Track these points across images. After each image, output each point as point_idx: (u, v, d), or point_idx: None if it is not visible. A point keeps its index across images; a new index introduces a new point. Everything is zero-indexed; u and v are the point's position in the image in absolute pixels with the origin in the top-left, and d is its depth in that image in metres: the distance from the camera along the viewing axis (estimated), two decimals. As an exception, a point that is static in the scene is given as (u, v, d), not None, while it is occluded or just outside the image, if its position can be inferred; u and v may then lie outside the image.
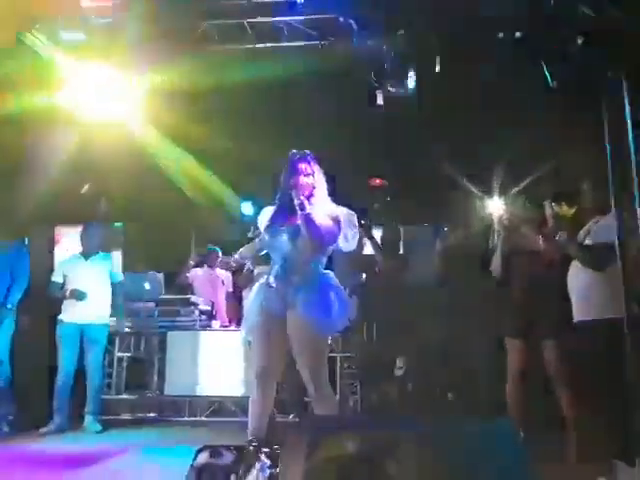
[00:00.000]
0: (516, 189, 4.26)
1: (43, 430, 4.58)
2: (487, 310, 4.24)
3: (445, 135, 4.70)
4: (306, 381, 2.95)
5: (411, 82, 3.68)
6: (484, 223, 4.54)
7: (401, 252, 5.08)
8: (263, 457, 2.45)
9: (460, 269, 4.56)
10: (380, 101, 3.73)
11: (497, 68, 4.05)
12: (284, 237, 2.95)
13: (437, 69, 3.67)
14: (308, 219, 2.84)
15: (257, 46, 3.92)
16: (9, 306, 4.63)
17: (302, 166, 2.95)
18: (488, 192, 4.82)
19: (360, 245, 4.73)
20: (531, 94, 3.97)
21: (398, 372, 4.97)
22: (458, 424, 2.38)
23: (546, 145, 4.64)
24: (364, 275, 5.15)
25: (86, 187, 6.08)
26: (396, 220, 5.41)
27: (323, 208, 2.95)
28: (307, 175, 2.95)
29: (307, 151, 2.99)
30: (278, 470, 2.31)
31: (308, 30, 3.77)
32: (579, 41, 3.65)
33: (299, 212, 2.85)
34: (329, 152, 3.18)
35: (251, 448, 2.58)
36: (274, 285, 2.96)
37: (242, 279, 5.48)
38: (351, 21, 3.68)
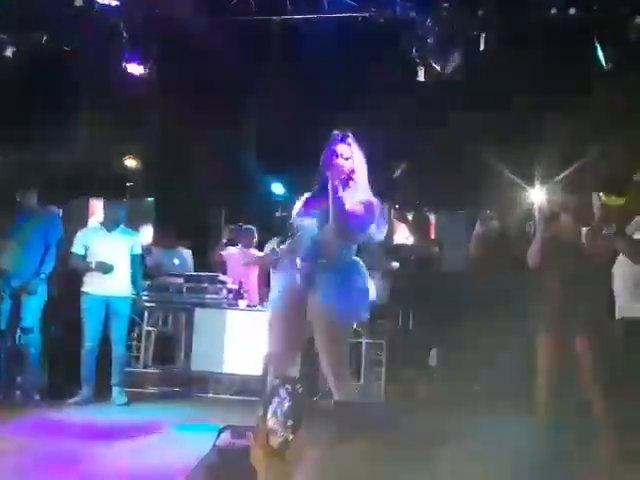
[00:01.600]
0: (561, 176, 4.05)
1: (71, 400, 4.64)
2: (519, 302, 4.10)
3: (487, 117, 4.49)
4: (324, 368, 2.89)
5: (454, 59, 3.49)
6: (523, 210, 4.36)
7: (432, 238, 4.95)
8: (284, 395, 2.40)
9: (494, 257, 4.41)
10: (421, 77, 3.56)
11: (546, 48, 3.82)
12: (314, 219, 2.87)
13: (482, 47, 3.47)
14: (338, 204, 2.75)
15: (295, 17, 3.78)
16: (42, 276, 4.67)
17: (342, 148, 2.85)
18: (530, 179, 4.61)
19: (392, 231, 4.61)
20: (581, 76, 3.73)
21: (432, 362, 4.89)
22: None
23: (595, 131, 4.40)
24: (396, 263, 5.04)
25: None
26: (427, 206, 5.26)
27: (358, 194, 2.86)
28: (346, 158, 2.85)
29: (349, 133, 2.87)
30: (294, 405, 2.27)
31: (349, 1, 3.60)
32: (638, 20, 3.41)
33: (330, 195, 2.76)
34: (364, 130, 3.05)
35: (276, 381, 2.53)
36: (300, 267, 2.88)
37: (264, 260, 5.44)
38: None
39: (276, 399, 2.30)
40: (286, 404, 2.28)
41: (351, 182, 2.85)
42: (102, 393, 4.79)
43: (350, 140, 2.87)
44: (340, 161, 2.83)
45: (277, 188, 7.05)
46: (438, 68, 3.54)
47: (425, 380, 4.69)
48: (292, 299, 2.87)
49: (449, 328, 4.53)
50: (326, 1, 3.71)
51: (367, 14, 3.63)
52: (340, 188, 2.77)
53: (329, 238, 2.82)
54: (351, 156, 2.86)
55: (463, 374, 4.55)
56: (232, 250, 6.37)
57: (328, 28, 3.71)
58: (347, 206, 2.76)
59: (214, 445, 2.68)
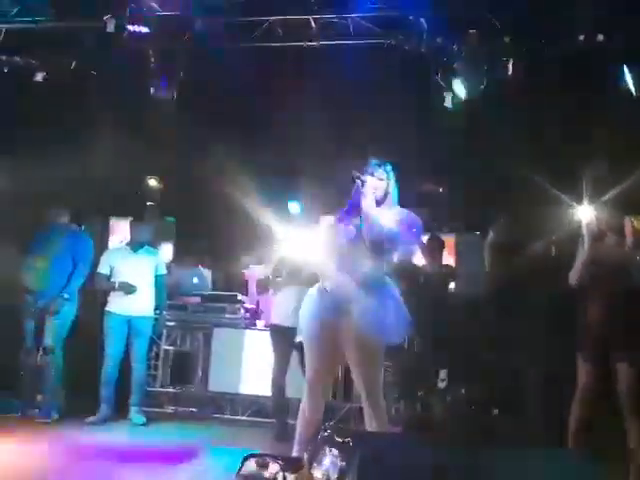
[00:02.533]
0: (608, 195, 3.94)
1: (90, 419, 4.63)
2: (541, 324, 4.03)
3: (513, 141, 4.47)
4: (359, 389, 2.89)
5: (480, 84, 3.49)
6: (551, 231, 4.29)
7: (444, 262, 4.92)
8: (334, 448, 2.36)
9: (508, 266, 4.36)
10: (448, 103, 3.56)
11: (575, 73, 3.80)
12: (345, 238, 2.86)
13: (509, 72, 3.46)
14: (372, 221, 2.76)
15: (322, 43, 3.82)
16: (65, 295, 4.68)
17: (378, 171, 2.90)
18: (575, 196, 4.50)
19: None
20: (612, 101, 3.70)
21: (441, 384, 4.81)
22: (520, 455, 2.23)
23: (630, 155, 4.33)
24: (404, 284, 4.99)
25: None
26: (440, 227, 5.22)
27: (393, 213, 2.88)
28: (381, 179, 2.90)
29: (385, 160, 2.94)
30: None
31: (375, 28, 3.63)
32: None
33: (364, 212, 2.77)
34: (390, 153, 3.06)
35: (325, 433, 2.49)
36: (329, 290, 2.86)
37: (259, 285, 5.38)
38: (421, 19, 3.53)
39: (326, 452, 2.27)
40: (338, 460, 2.25)
41: (383, 203, 2.88)
42: (120, 412, 4.79)
43: (387, 167, 2.93)
44: (376, 182, 2.87)
45: (294, 208, 7.07)
46: (465, 94, 3.54)
47: (437, 404, 4.61)
48: (324, 322, 2.85)
49: (460, 350, 4.48)
50: (352, 27, 3.74)
51: (392, 41, 3.66)
52: (373, 205, 2.79)
53: (360, 257, 2.81)
54: (386, 178, 2.91)
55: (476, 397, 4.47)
56: (255, 269, 6.37)
57: (354, 54, 3.73)
58: (381, 224, 2.77)
59: (238, 474, 2.65)
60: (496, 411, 4.60)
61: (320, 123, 4.74)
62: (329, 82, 4.01)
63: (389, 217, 2.84)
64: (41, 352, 4.62)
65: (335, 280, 2.86)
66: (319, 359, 2.89)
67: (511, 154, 4.34)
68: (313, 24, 3.81)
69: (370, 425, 2.84)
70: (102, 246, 5.21)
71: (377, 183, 2.87)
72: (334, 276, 2.87)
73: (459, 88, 3.51)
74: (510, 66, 3.42)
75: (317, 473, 2.21)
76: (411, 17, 3.54)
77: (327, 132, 4.80)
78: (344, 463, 2.19)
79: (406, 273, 4.80)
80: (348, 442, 2.23)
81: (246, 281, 6.24)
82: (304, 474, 2.31)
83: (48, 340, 4.64)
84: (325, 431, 2.43)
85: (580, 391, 3.43)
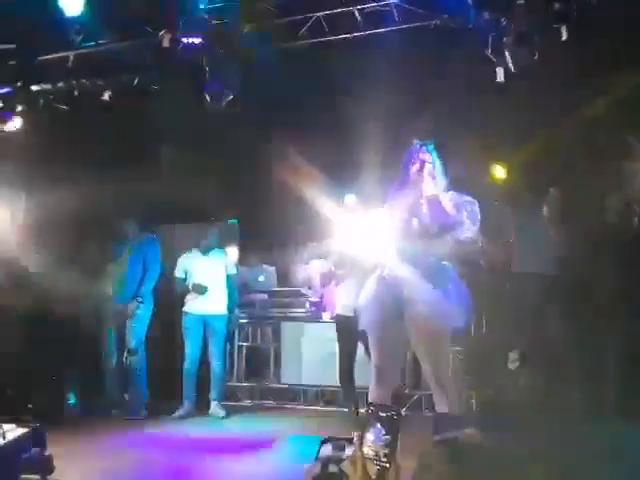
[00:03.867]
0: None
1: (175, 415, 4.90)
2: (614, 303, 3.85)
3: (571, 110, 4.30)
4: (427, 376, 2.89)
5: (533, 54, 3.39)
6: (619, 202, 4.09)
7: (510, 240, 4.78)
8: (379, 424, 2.42)
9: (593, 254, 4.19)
10: (501, 77, 3.49)
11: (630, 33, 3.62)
12: (402, 226, 2.87)
13: (564, 37, 3.34)
14: (429, 206, 2.77)
15: (368, 32, 3.85)
16: (139, 299, 4.98)
17: (424, 156, 2.88)
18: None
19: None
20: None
21: (512, 365, 4.71)
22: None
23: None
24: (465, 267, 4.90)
25: None
26: (504, 201, 5.07)
27: (443, 197, 2.86)
28: (428, 164, 2.87)
29: (428, 141, 2.91)
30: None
31: (418, 10, 3.62)
32: None
33: (420, 200, 2.76)
34: (445, 137, 3.04)
35: (370, 411, 2.55)
36: (388, 277, 2.89)
37: (323, 278, 5.42)
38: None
39: (372, 429, 2.33)
40: (382, 434, 2.30)
41: (433, 187, 2.87)
42: (202, 407, 5.02)
43: (431, 147, 2.90)
44: (423, 168, 2.85)
45: (350, 201, 7.09)
46: (516, 67, 3.45)
47: (509, 384, 4.51)
48: (387, 312, 2.86)
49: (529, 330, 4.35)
50: (396, 13, 3.75)
51: (438, 21, 3.63)
52: (424, 193, 2.79)
53: (418, 243, 2.81)
54: (433, 162, 2.88)
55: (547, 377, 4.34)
56: (316, 264, 6.47)
57: (401, 39, 3.73)
58: (436, 208, 2.77)
59: (317, 457, 2.74)
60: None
61: (373, 113, 4.76)
62: (380, 71, 4.01)
63: (447, 201, 2.82)
64: (125, 354, 4.92)
65: (395, 267, 2.86)
66: (384, 345, 2.91)
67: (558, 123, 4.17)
68: (357, 15, 3.85)
69: (441, 410, 2.83)
70: (172, 251, 5.46)
71: (426, 167, 2.85)
72: (393, 263, 2.87)
73: (511, 61, 3.43)
74: (564, 32, 3.30)
75: (366, 449, 2.26)
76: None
77: (381, 122, 4.80)
78: (389, 436, 2.23)
79: (469, 256, 4.73)
80: (392, 416, 2.27)
81: (309, 275, 6.36)
82: (356, 453, 2.36)
83: (131, 342, 4.94)
84: (370, 409, 2.49)
85: None
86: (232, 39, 3.81)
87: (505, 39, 3.40)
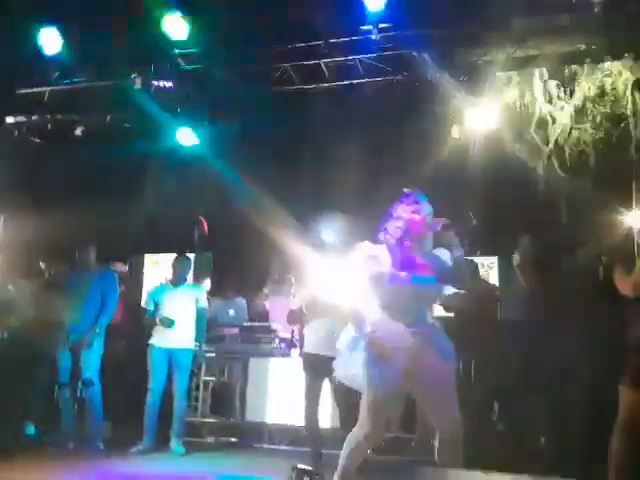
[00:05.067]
0: None
1: (133, 450, 4.84)
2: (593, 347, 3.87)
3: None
4: (438, 423, 2.89)
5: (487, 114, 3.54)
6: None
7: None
8: None
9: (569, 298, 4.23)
10: (456, 134, 3.63)
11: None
12: (403, 285, 2.80)
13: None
14: (431, 265, 2.75)
15: (333, 84, 4.00)
16: (97, 330, 4.95)
17: (422, 207, 2.82)
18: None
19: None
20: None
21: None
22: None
23: None
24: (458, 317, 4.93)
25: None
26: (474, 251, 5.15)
27: (436, 250, 2.86)
28: (419, 213, 2.80)
29: (418, 190, 2.85)
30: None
31: (382, 66, 3.77)
32: None
33: (418, 259, 2.76)
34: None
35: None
36: (379, 337, 2.83)
37: (291, 316, 5.40)
38: (425, 55, 3.65)
39: None
40: None
41: (425, 240, 2.85)
42: (162, 442, 4.97)
43: (420, 197, 2.84)
44: (415, 216, 2.79)
45: (328, 237, 7.17)
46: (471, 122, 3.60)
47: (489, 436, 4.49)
48: (386, 372, 2.77)
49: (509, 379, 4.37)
50: (360, 68, 3.91)
51: (400, 77, 3.78)
52: (419, 243, 2.77)
53: (419, 300, 2.77)
54: (421, 212, 2.82)
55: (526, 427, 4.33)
56: (277, 300, 6.49)
57: (365, 93, 3.88)
58: (436, 266, 2.73)
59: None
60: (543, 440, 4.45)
61: (343, 156, 4.89)
62: (346, 118, 4.16)
63: (438, 256, 2.82)
64: (80, 385, 4.87)
65: (386, 326, 2.81)
66: (387, 402, 2.84)
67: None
68: (324, 68, 3.99)
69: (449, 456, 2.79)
70: (139, 282, 5.49)
71: (417, 219, 2.79)
72: (383, 321, 2.81)
73: (471, 118, 3.57)
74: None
75: None
76: (415, 53, 3.66)
77: (350, 165, 4.93)
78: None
79: (459, 306, 4.77)
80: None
81: (268, 311, 6.38)
82: None
83: (87, 373, 4.89)
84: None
85: (624, 416, 3.09)
86: (203, 84, 3.93)
87: (463, 96, 3.53)
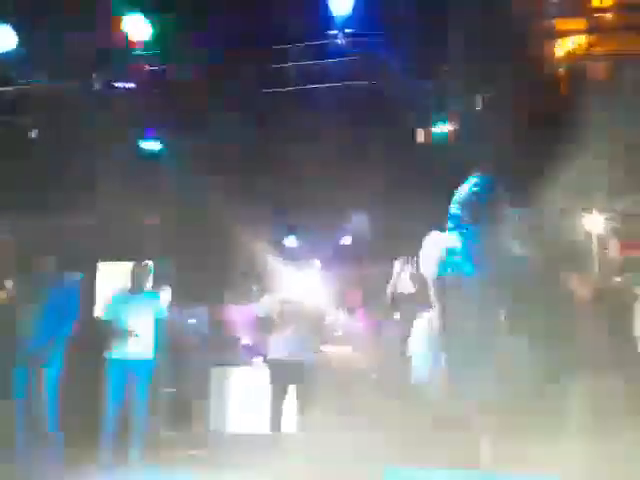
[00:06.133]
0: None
1: (92, 465, 4.64)
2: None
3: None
4: None
5: (455, 118, 3.64)
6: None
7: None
8: None
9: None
10: (421, 138, 3.71)
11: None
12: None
13: (479, 107, 3.62)
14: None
15: (302, 87, 4.01)
16: (54, 343, 4.73)
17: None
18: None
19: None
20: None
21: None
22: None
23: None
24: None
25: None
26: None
27: None
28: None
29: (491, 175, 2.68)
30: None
31: (347, 70, 3.82)
32: None
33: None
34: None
35: None
36: None
37: (258, 323, 5.32)
38: (395, 59, 3.71)
39: None
40: None
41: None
42: (121, 456, 4.79)
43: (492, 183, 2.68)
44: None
45: (291, 241, 7.17)
46: (438, 126, 3.69)
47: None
48: None
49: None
50: (329, 72, 3.93)
51: (365, 82, 3.84)
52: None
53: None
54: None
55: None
56: (237, 308, 6.39)
57: (335, 95, 3.91)
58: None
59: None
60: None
61: (308, 160, 4.89)
62: (311, 122, 4.18)
63: None
64: (37, 400, 4.66)
65: None
66: None
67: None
68: (290, 71, 4.01)
69: None
70: (98, 292, 5.30)
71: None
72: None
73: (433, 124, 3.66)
74: (480, 100, 3.57)
75: None
76: (386, 58, 3.71)
77: (315, 169, 4.94)
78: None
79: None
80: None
81: (231, 320, 6.29)
82: None
83: (43, 388, 4.67)
84: None
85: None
86: (166, 85, 3.86)
87: (428, 102, 3.62)
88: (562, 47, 4.17)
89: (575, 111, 4.16)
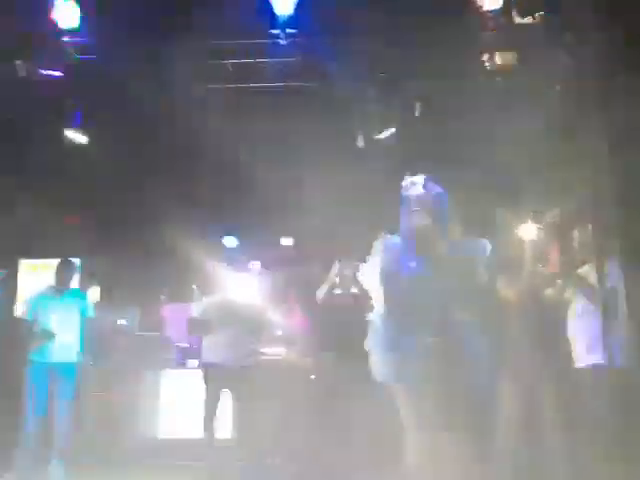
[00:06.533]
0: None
1: (9, 475, 4.38)
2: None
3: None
4: None
5: (392, 125, 3.70)
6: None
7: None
8: None
9: None
10: (361, 143, 3.74)
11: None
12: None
13: (416, 114, 3.70)
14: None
15: (239, 86, 3.95)
16: None
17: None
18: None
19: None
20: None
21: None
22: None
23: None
24: None
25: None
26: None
27: None
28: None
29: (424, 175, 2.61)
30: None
31: (290, 72, 3.80)
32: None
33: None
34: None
35: None
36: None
37: (191, 325, 5.17)
38: (334, 63, 3.72)
39: None
40: None
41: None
42: (43, 462, 4.52)
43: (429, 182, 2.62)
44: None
45: (229, 242, 7.06)
46: (376, 133, 3.74)
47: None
48: None
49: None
50: (269, 71, 3.89)
51: (306, 83, 3.83)
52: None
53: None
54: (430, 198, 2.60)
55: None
56: (172, 308, 6.24)
57: (270, 97, 3.87)
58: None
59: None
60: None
61: (244, 160, 4.82)
62: (249, 121, 4.11)
63: None
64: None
65: None
66: None
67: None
68: (230, 68, 3.93)
69: None
70: (19, 290, 4.98)
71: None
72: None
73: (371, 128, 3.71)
74: (417, 109, 3.65)
75: None
76: (324, 62, 3.72)
77: (252, 170, 4.88)
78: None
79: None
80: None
81: (165, 320, 6.14)
82: None
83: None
84: None
85: (507, 412, 3.41)
86: (97, 77, 3.68)
87: (368, 108, 3.65)
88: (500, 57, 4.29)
89: (513, 118, 4.32)
